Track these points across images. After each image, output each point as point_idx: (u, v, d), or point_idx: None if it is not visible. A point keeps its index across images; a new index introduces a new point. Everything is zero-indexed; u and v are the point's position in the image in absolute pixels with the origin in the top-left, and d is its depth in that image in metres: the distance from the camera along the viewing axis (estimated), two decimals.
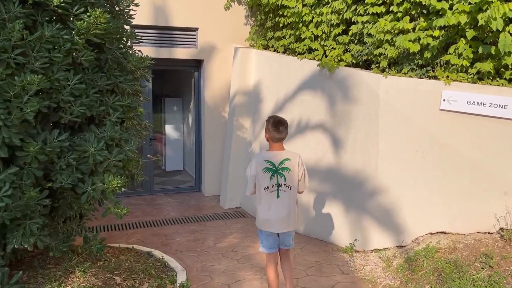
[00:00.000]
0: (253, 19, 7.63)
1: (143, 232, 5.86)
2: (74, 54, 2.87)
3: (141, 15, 6.95)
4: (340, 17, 5.08)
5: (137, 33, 7.12)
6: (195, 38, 7.43)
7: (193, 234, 5.79)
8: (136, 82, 3.65)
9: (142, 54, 3.97)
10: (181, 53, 7.32)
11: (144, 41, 7.10)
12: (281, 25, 6.24)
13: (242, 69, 7.02)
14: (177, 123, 9.51)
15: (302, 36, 5.71)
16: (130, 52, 3.69)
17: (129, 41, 3.89)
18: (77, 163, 3.07)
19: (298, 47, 5.86)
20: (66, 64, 2.84)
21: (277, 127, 3.18)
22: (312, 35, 5.62)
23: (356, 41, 5.02)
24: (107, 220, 6.25)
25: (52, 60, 2.73)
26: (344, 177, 4.97)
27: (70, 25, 2.83)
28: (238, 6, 7.52)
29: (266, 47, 7.01)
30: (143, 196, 7.74)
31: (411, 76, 4.38)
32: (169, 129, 9.47)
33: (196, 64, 7.75)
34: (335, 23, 5.15)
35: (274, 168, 3.08)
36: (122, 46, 3.55)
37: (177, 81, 9.79)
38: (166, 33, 7.23)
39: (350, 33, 4.97)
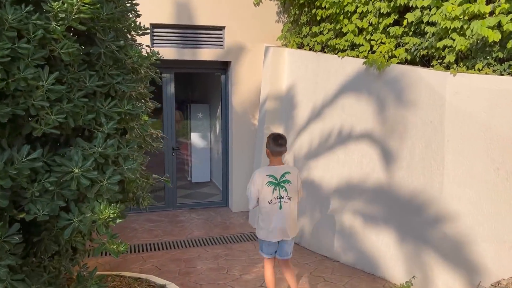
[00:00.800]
0: (286, 15, 6.84)
1: (161, 255, 5.15)
2: (50, 45, 2.17)
3: (163, 13, 6.31)
4: (392, 4, 4.20)
5: (158, 33, 6.58)
6: (221, 38, 6.73)
7: (217, 259, 5.02)
8: (140, 83, 2.92)
9: (151, 50, 3.24)
10: (206, 54, 6.63)
11: (166, 41, 6.46)
12: (318, 18, 5.42)
13: (274, 71, 6.23)
14: (204, 131, 8.83)
15: (344, 30, 4.86)
16: (132, 45, 2.95)
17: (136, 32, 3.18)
18: (60, 188, 2.37)
19: (338, 44, 5.02)
20: (40, 59, 2.14)
21: (277, 141, 3.36)
22: (356, 29, 4.76)
23: (412, 33, 4.12)
24: (124, 239, 5.59)
25: (19, 53, 2.04)
26: (398, 199, 4.06)
27: (45, 7, 2.14)
28: (269, 1, 6.76)
29: (300, 46, 6.20)
30: (165, 211, 7.07)
31: (487, 73, 3.44)
32: (195, 138, 8.80)
33: (223, 67, 7.04)
34: (385, 12, 4.27)
35: (276, 181, 3.31)
36: (121, 38, 2.82)
37: (204, 85, 9.12)
38: (190, 33, 6.56)
39: (404, 23, 4.08)
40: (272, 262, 3.51)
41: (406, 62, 4.21)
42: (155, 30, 6.38)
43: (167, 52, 6.40)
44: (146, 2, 6.15)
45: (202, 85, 9.27)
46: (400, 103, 4.03)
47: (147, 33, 3.44)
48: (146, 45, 3.50)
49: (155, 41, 6.38)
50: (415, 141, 3.86)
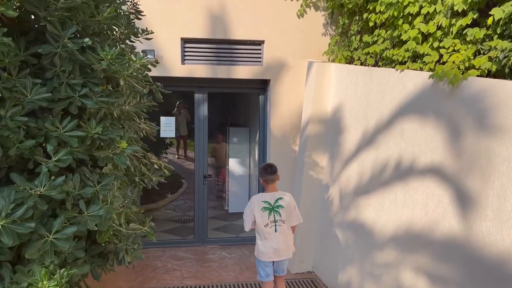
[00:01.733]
0: (334, 27, 5.99)
1: None
2: None
3: (195, 27, 5.71)
4: (469, 0, 3.21)
5: (190, 48, 5.92)
6: (260, 54, 5.99)
7: None
8: (119, 97, 2.18)
9: (146, 55, 2.50)
10: (243, 71, 5.91)
11: (199, 58, 5.82)
12: (371, 24, 4.50)
13: (318, 89, 5.35)
14: (243, 156, 8.05)
15: (403, 37, 3.91)
16: (121, 49, 2.22)
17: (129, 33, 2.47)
18: None
19: (396, 55, 4.06)
20: None
21: (268, 170, 3.70)
22: (420, 35, 3.79)
23: (498, 35, 3.09)
24: (141, 281, 4.87)
25: None
26: (480, 259, 2.96)
27: None
28: (314, 12, 5.96)
29: (350, 61, 5.29)
30: (194, 246, 6.30)
31: None
32: (233, 164, 8.04)
33: (261, 85, 6.27)
34: (460, 10, 3.28)
35: (271, 207, 3.59)
36: (96, 39, 2.11)
37: (244, 106, 8.39)
38: (224, 48, 5.90)
39: (489, 21, 3.07)
40: (271, 285, 3.74)
41: (490, 74, 3.17)
42: (187, 45, 5.77)
43: (200, 70, 5.77)
44: (177, 14, 5.58)
45: (242, 106, 8.56)
46: (482, 129, 2.98)
47: (149, 38, 2.73)
48: (142, 51, 2.78)
49: (186, 58, 5.77)
50: (507, 182, 2.78)
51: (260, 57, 5.99)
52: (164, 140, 9.17)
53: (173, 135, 6.12)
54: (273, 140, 6.02)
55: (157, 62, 2.62)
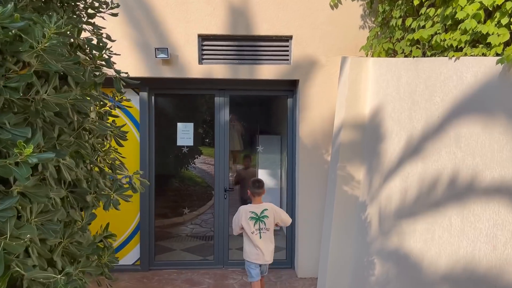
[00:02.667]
0: (373, 18, 5.14)
1: None
2: None
3: (214, 22, 5.09)
4: None
5: (209, 46, 5.28)
6: (287, 51, 5.26)
7: None
8: (28, 80, 1.50)
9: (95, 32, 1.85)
10: (268, 72, 5.21)
11: (218, 56, 5.19)
12: (416, 2, 3.64)
13: (352, 89, 4.52)
14: (274, 167, 7.31)
15: (459, 15, 3.02)
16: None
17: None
18: None
19: (450, 39, 3.18)
20: None
21: (256, 185, 4.15)
22: (481, 10, 2.90)
23: None
24: None
25: None
26: None
27: None
28: (350, 2, 5.15)
29: (391, 55, 4.43)
30: (213, 269, 5.61)
31: None
32: (263, 176, 7.31)
33: (289, 87, 5.53)
34: None
35: (257, 217, 4.02)
36: None
37: (275, 111, 7.68)
38: (247, 46, 5.23)
39: None
40: (259, 285, 4.09)
41: None
42: (205, 43, 5.17)
43: (219, 70, 5.13)
44: (193, 9, 5.00)
45: (273, 111, 7.86)
46: None
47: (115, 14, 2.10)
48: (97, 29, 2.13)
49: (204, 57, 5.16)
50: None
51: (288, 55, 5.26)
52: (198, 150, 8.66)
53: (191, 144, 5.51)
54: (303, 149, 5.24)
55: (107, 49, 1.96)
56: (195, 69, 5.10)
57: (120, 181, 2.16)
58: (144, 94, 5.23)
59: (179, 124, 5.46)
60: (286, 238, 5.61)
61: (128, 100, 2.59)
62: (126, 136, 2.35)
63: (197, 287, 4.97)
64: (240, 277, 5.27)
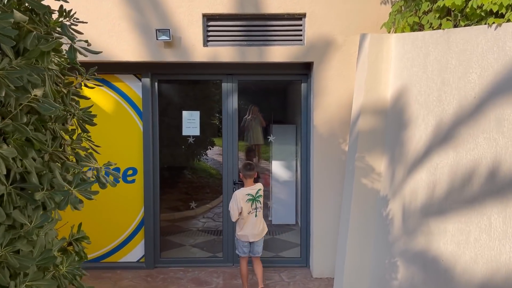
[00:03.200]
0: None
1: None
2: None
3: (220, 1, 4.66)
4: None
5: (214, 27, 4.84)
6: (300, 30, 4.80)
7: None
8: None
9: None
10: (279, 53, 4.76)
11: (225, 38, 4.77)
12: None
13: (372, 70, 4.03)
14: (289, 159, 6.87)
15: None
16: None
17: None
18: None
19: (489, 4, 2.66)
20: None
21: (247, 167, 4.36)
22: None
23: None
24: None
25: None
26: None
27: None
28: None
29: (418, 30, 3.91)
30: (223, 267, 5.25)
31: None
32: (277, 168, 6.89)
33: (303, 70, 5.06)
34: None
35: (253, 197, 4.30)
36: None
37: (288, 98, 7.20)
38: (256, 26, 4.78)
39: None
40: (246, 259, 4.43)
41: None
42: (210, 23, 4.75)
43: (226, 53, 4.72)
44: None
45: (287, 98, 7.38)
46: None
47: None
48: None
49: (209, 39, 4.75)
50: None
51: (301, 35, 4.79)
52: (208, 141, 8.30)
53: (197, 133, 5.13)
54: (318, 139, 4.78)
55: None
56: (200, 52, 4.70)
57: (85, 174, 1.79)
58: (147, 80, 4.87)
59: (185, 113, 5.09)
60: (301, 234, 5.19)
61: (99, 80, 2.20)
62: (93, 120, 1.97)
63: (204, 287, 4.62)
64: (251, 277, 4.89)
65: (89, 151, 2.00)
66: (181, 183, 9.87)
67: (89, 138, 2.08)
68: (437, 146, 3.07)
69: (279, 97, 7.15)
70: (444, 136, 3.00)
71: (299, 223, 6.64)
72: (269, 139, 6.02)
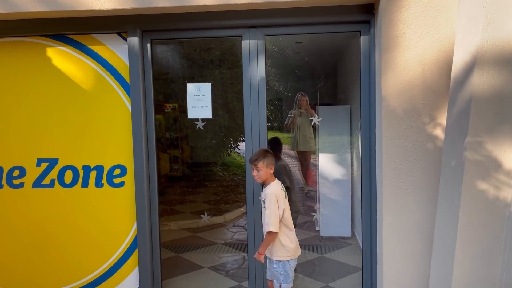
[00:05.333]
0: None
1: None
2: None
3: None
4: None
5: None
6: None
7: None
8: None
9: None
10: None
11: None
12: None
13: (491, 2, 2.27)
14: (341, 151, 5.19)
15: None
16: None
17: None
18: None
19: None
20: None
21: (271, 156, 3.05)
22: None
23: None
24: None
25: None
26: None
27: None
28: None
29: None
30: None
31: None
32: (326, 163, 5.24)
33: (362, 16, 3.33)
34: None
35: (285, 192, 3.13)
36: None
37: (338, 66, 5.43)
38: None
39: None
40: None
41: None
42: None
43: None
44: None
45: (339, 65, 5.63)
46: None
47: None
48: None
49: None
50: None
51: None
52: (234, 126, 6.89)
53: (209, 116, 3.58)
54: (388, 117, 3.08)
55: None
56: None
57: None
58: (135, 40, 3.39)
59: (190, 86, 3.56)
60: (363, 254, 3.49)
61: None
62: None
63: None
64: None
65: None
66: (205, 181, 8.50)
67: None
68: None
69: (325, 63, 5.34)
70: None
71: (358, 238, 4.96)
72: (313, 122, 4.34)
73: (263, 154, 3.02)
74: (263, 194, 3.06)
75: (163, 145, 7.29)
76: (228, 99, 6.00)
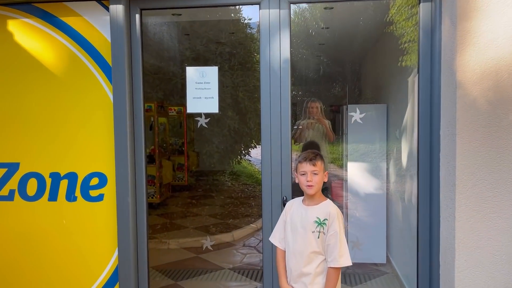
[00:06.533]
0: None
1: None
2: None
3: None
4: None
5: None
6: None
7: None
8: None
9: None
10: None
11: None
12: None
13: None
14: (375, 159, 4.30)
15: None
16: None
17: None
18: None
19: None
20: None
21: None
22: None
23: None
24: None
25: None
26: None
27: None
28: None
29: None
30: None
31: None
32: (356, 173, 4.35)
33: None
34: None
35: None
36: None
37: (376, 52, 4.53)
38: None
39: None
40: None
41: None
42: None
43: None
44: None
45: (376, 51, 4.72)
46: None
47: None
48: None
49: None
50: None
51: None
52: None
53: (215, 110, 2.72)
54: (466, 112, 2.20)
55: None
56: None
57: None
58: (119, 8, 2.58)
59: (190, 70, 2.72)
60: (418, 280, 2.59)
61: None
62: None
63: None
64: None
65: None
66: (212, 191, 7.64)
67: None
68: None
69: (360, 49, 4.45)
70: None
71: (395, 265, 4.05)
72: (353, 119, 3.48)
73: (319, 153, 2.24)
74: (312, 213, 2.18)
75: (166, 151, 6.52)
76: (239, 99, 5.18)
